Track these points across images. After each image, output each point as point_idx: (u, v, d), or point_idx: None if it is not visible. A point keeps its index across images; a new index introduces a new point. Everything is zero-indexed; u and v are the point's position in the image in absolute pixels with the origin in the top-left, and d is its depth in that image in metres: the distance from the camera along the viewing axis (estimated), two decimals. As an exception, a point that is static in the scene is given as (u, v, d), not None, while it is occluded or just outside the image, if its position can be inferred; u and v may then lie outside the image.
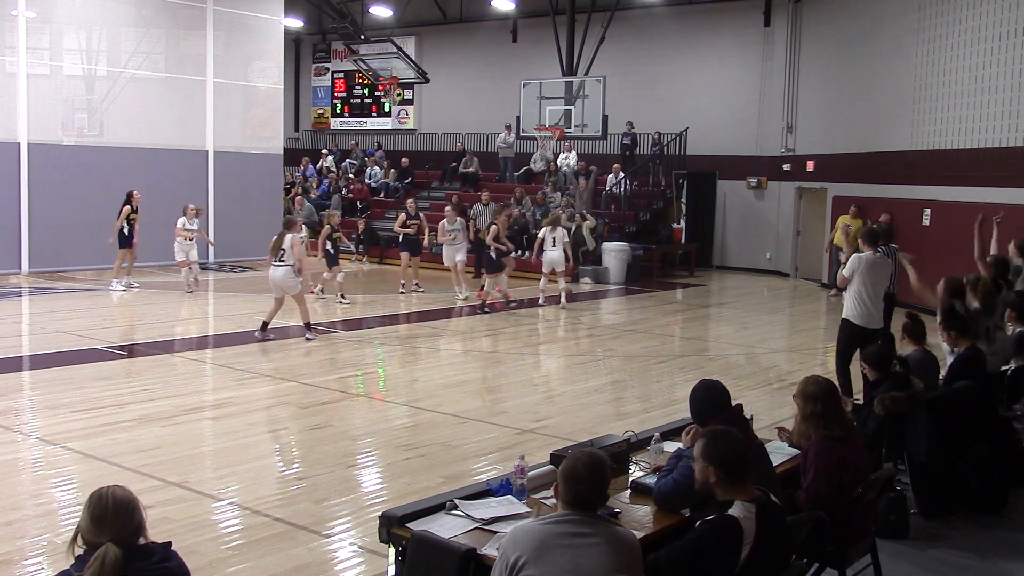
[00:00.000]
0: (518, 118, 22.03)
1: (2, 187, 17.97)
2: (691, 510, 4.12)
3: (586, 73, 21.67)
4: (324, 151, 28.85)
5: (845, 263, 9.38)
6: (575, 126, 21.27)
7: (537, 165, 23.79)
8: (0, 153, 17.93)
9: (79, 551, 3.09)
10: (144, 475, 6.72)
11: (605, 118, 20.97)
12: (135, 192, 16.49)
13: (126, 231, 16.22)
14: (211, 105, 20.93)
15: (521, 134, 22.42)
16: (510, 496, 4.28)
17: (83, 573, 2.94)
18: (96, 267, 18.38)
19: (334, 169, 27.46)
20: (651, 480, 4.41)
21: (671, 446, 4.99)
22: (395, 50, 22.20)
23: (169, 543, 3.23)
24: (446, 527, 3.95)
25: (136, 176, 19.15)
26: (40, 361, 10.94)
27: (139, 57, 20.09)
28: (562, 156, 23.03)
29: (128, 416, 8.36)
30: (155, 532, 4.40)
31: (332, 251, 15.74)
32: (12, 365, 10.75)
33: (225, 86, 21.20)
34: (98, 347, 11.49)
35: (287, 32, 25.13)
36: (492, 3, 25.22)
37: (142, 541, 3.15)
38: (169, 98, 20.39)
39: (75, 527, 3.14)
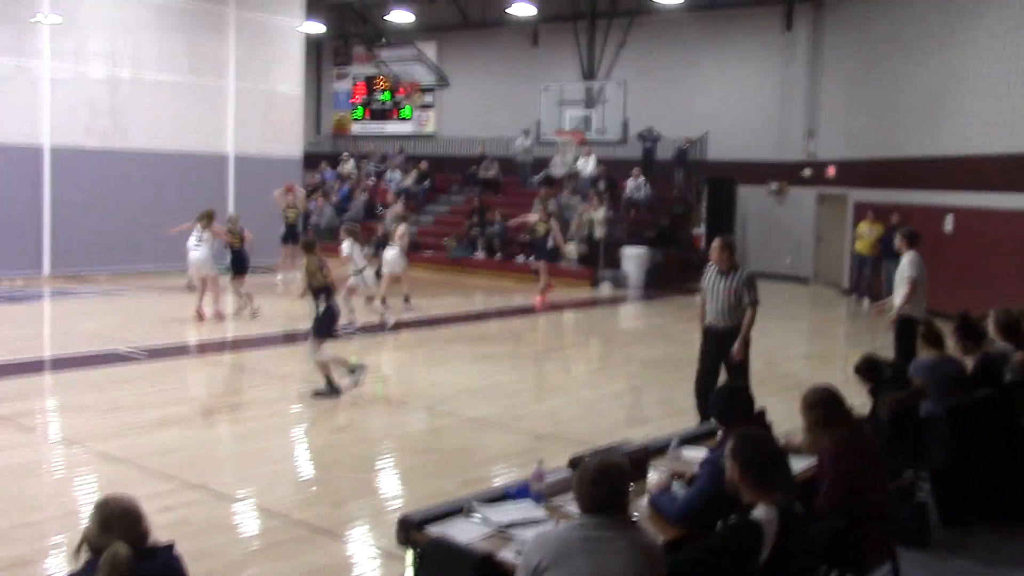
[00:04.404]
0: (538, 122, 22.01)
1: (25, 190, 18.12)
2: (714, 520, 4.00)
3: (606, 78, 21.66)
4: (344, 155, 28.95)
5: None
6: (595, 131, 21.24)
7: (557, 170, 23.77)
8: (23, 156, 18.08)
9: (85, 558, 3.13)
10: (164, 477, 6.77)
11: (625, 123, 20.92)
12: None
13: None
14: (232, 109, 21.07)
15: (540, 139, 22.38)
16: (528, 501, 4.28)
17: (95, 574, 2.97)
18: (117, 270, 18.51)
19: (355, 173, 27.55)
20: (667, 496, 4.34)
21: (690, 452, 4.97)
22: (416, 54, 22.27)
23: (172, 545, 3.27)
24: (464, 531, 3.96)
25: (157, 180, 19.32)
26: (62, 363, 11.01)
27: (161, 61, 20.22)
28: (581, 161, 23.01)
29: (149, 418, 8.42)
30: (174, 534, 4.40)
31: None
32: (34, 367, 10.84)
33: (246, 90, 21.31)
34: (119, 349, 11.57)
35: (308, 36, 25.23)
36: (512, 8, 25.23)
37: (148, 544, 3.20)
38: (190, 102, 20.51)
39: (81, 535, 3.19)
